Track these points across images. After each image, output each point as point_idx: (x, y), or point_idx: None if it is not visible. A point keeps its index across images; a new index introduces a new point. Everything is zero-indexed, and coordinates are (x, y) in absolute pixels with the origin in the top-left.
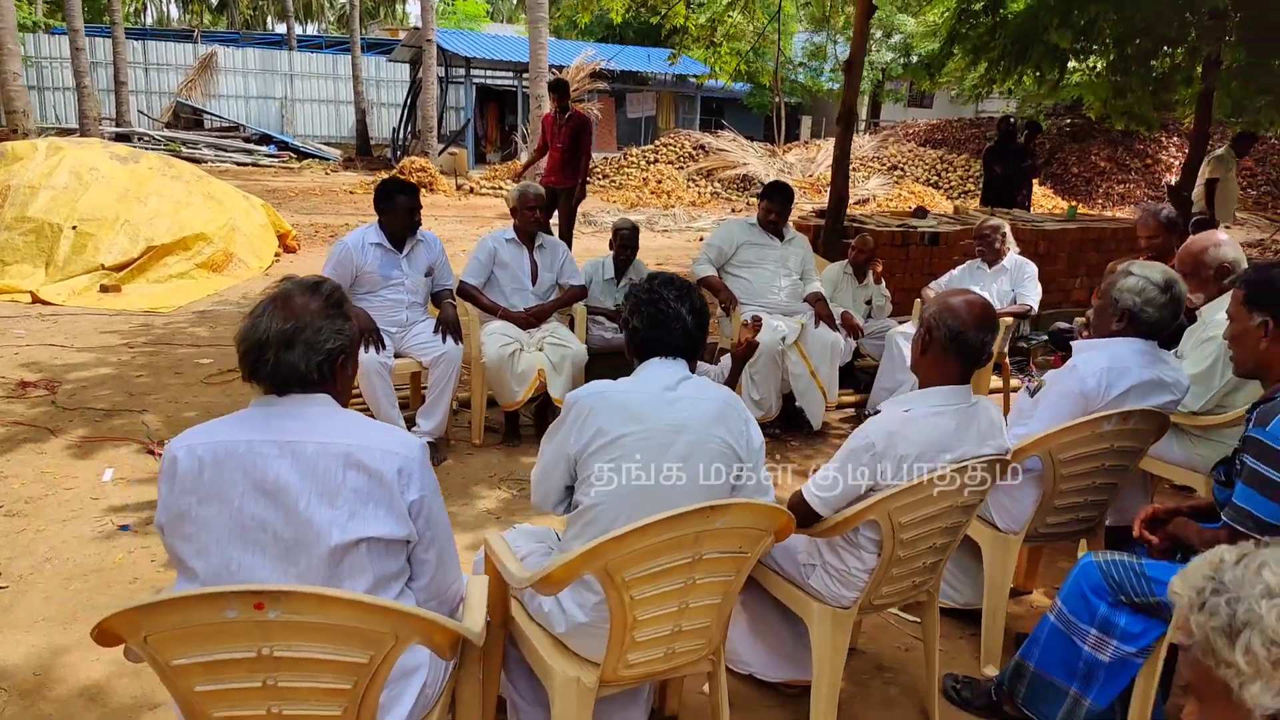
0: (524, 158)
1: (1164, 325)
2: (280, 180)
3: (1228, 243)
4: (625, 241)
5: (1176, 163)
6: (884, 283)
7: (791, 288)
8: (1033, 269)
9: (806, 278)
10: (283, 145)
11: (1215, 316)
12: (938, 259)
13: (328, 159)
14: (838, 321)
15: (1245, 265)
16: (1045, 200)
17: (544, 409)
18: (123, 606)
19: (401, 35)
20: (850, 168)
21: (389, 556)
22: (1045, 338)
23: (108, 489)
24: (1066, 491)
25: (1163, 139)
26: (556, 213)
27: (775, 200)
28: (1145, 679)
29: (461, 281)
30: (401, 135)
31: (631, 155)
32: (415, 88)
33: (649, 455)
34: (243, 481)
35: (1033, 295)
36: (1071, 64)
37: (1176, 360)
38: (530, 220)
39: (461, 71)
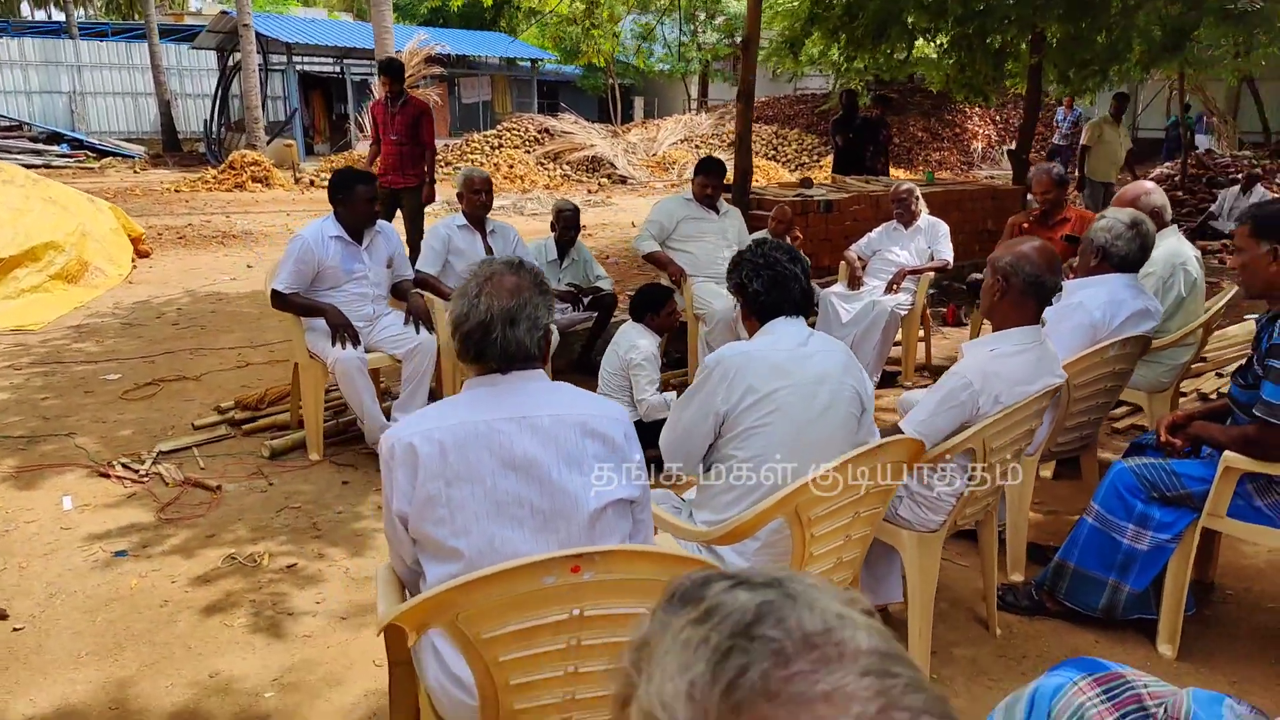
0: (360, 148)
1: (1133, 258)
2: (85, 182)
3: (1155, 190)
4: (569, 222)
5: (982, 130)
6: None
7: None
8: (945, 228)
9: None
10: (77, 144)
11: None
12: (833, 224)
13: (131, 156)
14: None
15: (1169, 211)
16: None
17: None
18: (430, 593)
19: (187, 20)
20: (750, 143)
21: (624, 517)
22: (965, 288)
23: (74, 517)
24: (1075, 413)
25: (967, 109)
26: (402, 216)
27: (711, 175)
28: (1179, 559)
29: (418, 271)
30: (215, 128)
31: (474, 141)
32: (226, 77)
33: (797, 407)
34: (490, 460)
35: (948, 251)
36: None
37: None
38: (477, 204)
39: (281, 59)
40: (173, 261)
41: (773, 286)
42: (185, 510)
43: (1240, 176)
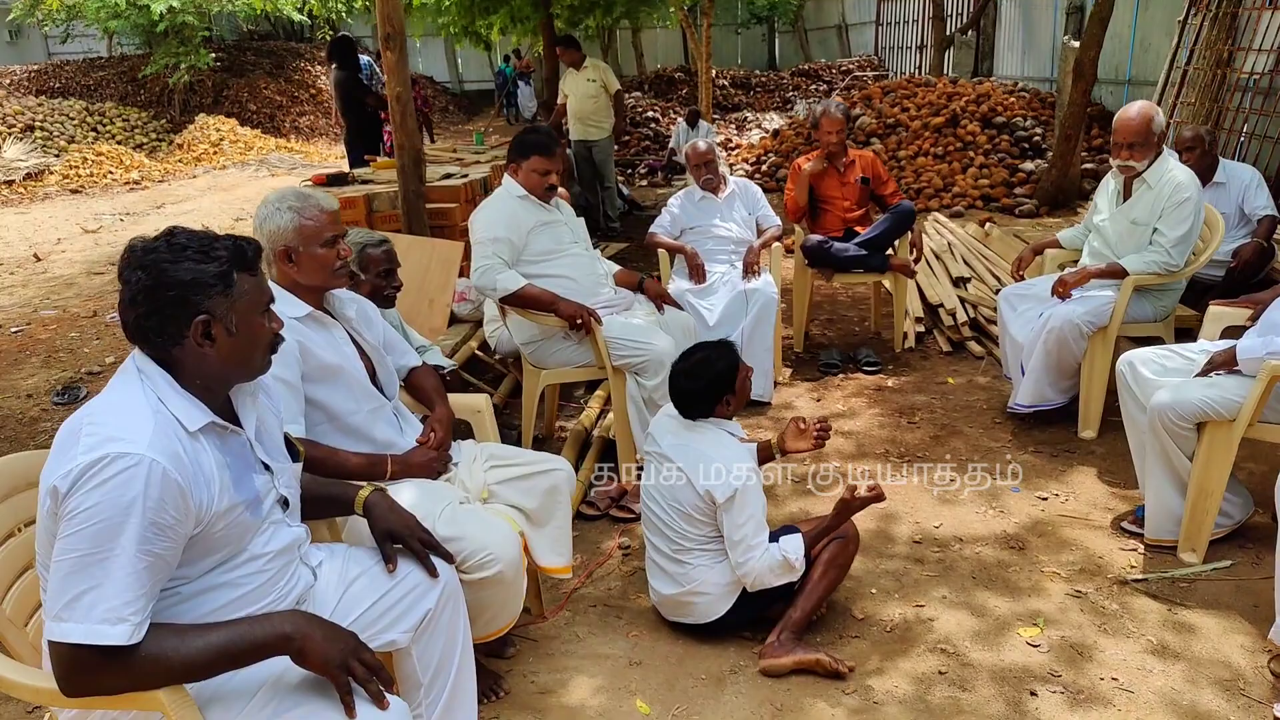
0: None
1: None
2: None
3: (1159, 109)
4: (385, 265)
5: None
6: None
7: (607, 270)
8: (758, 189)
9: (593, 249)
10: None
11: (1179, 178)
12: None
13: None
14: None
15: None
16: (259, 141)
17: None
18: None
19: None
20: (412, 107)
21: None
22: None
23: None
24: None
25: (314, 69)
26: None
27: (553, 155)
28: None
29: (295, 440)
30: None
31: None
32: None
33: None
34: None
35: (774, 214)
36: None
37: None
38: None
39: None
40: None
41: None
42: None
43: (685, 114)
